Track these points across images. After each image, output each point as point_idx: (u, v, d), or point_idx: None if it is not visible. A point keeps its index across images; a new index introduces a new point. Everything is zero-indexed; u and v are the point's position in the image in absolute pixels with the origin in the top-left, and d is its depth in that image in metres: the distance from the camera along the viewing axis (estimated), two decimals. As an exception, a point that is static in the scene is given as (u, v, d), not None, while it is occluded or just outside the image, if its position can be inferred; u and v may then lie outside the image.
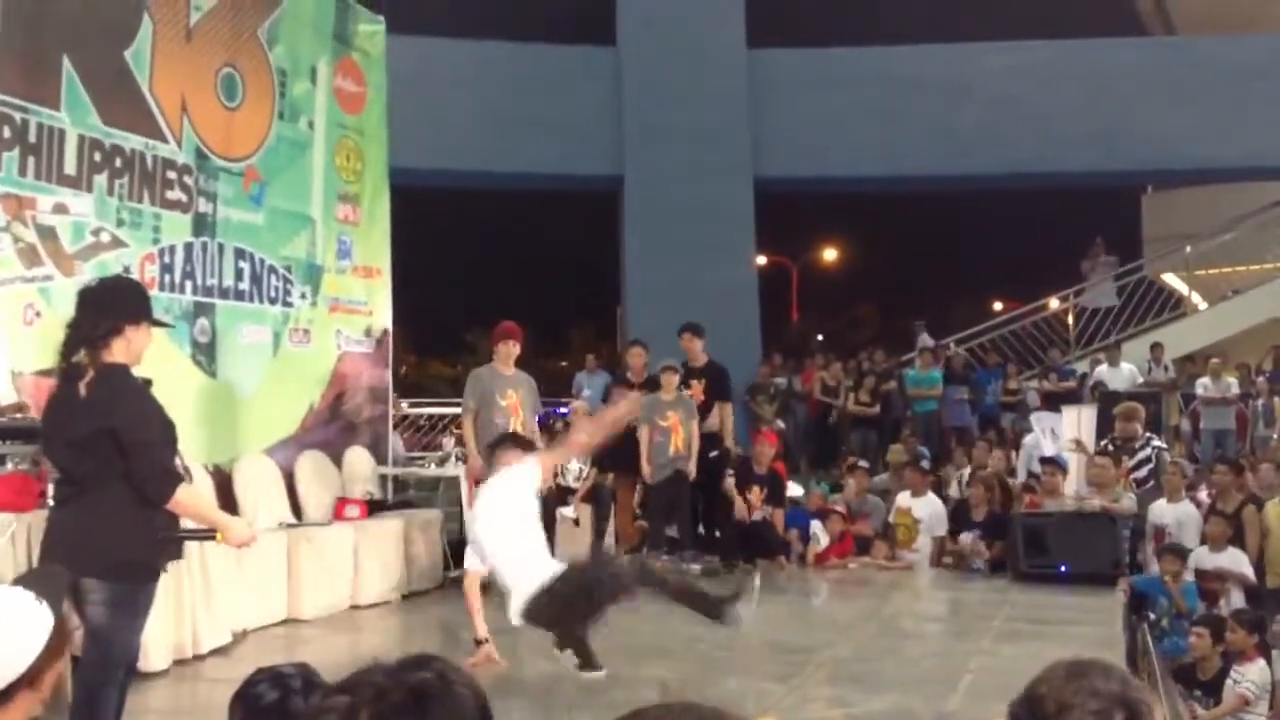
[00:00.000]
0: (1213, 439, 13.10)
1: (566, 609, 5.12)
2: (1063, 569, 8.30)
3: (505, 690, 5.30)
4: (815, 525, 9.39)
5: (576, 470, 9.23)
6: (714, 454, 9.19)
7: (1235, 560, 8.10)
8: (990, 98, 15.28)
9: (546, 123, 14.97)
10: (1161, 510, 8.80)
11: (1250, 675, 6.80)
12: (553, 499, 9.15)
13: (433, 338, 34.20)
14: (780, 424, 13.16)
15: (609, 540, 8.80)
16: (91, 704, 3.72)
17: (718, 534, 9.20)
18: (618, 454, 9.21)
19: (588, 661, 5.23)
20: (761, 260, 20.63)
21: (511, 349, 7.91)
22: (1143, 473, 9.26)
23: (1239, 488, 8.88)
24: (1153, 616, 7.74)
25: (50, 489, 4.51)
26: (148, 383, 3.97)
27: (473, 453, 7.77)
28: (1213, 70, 15.22)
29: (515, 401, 7.81)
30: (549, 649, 6.07)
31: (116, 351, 3.79)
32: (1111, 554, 8.36)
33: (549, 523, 9.09)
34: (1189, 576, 8.00)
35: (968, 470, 10.33)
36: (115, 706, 3.81)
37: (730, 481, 9.02)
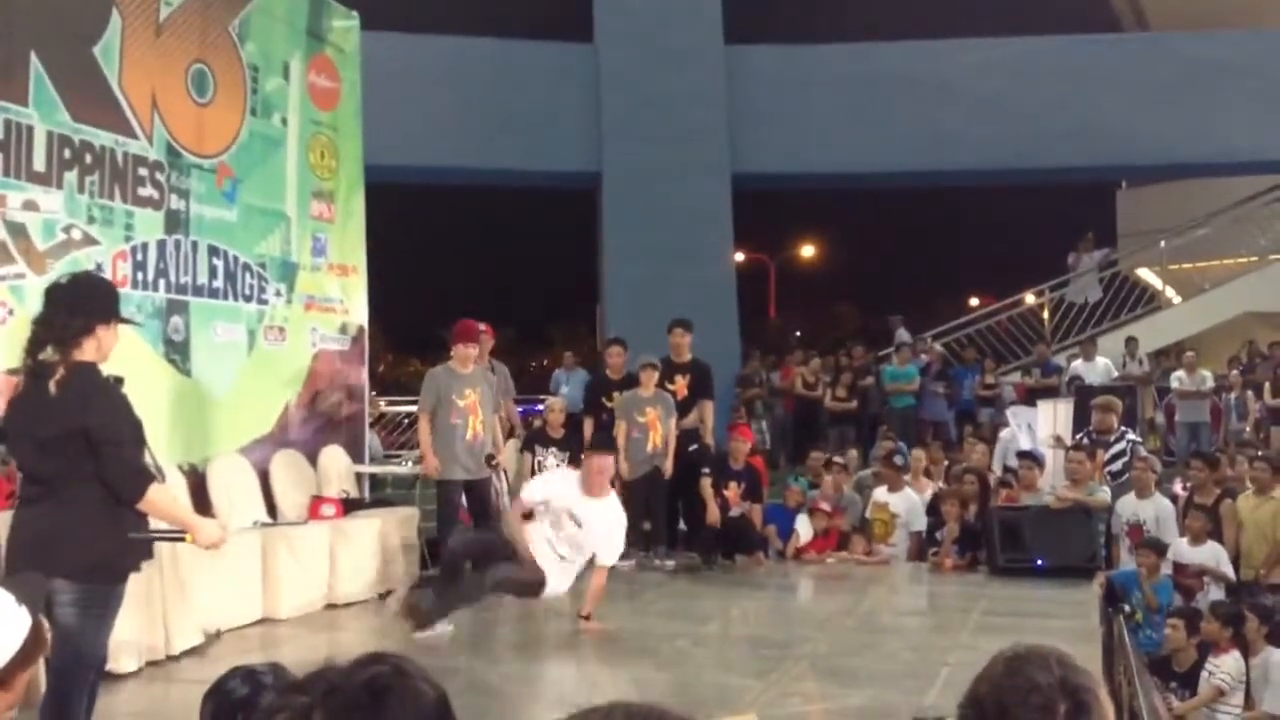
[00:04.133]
0: (1188, 432, 13.19)
1: None
2: (1039, 563, 8.33)
3: (477, 689, 5.28)
4: (800, 520, 9.36)
5: (553, 465, 9.19)
6: (693, 448, 9.17)
7: (1215, 555, 8.11)
8: (967, 94, 15.32)
9: (524, 119, 14.93)
10: (1133, 506, 8.84)
11: (1225, 667, 6.85)
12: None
13: (411, 335, 34.08)
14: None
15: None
16: (60, 705, 3.69)
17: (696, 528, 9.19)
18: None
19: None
20: (740, 257, 20.65)
21: (469, 351, 7.75)
22: (1117, 466, 9.30)
23: (1216, 481, 8.91)
24: (1128, 609, 7.77)
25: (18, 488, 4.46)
26: (120, 380, 3.92)
27: (428, 453, 7.65)
28: (1187, 66, 15.30)
29: (473, 401, 7.67)
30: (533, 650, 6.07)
31: (87, 350, 3.75)
32: (1088, 548, 8.40)
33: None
34: (1166, 570, 8.03)
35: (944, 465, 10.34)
36: (85, 708, 3.77)
37: (705, 483, 8.96)
